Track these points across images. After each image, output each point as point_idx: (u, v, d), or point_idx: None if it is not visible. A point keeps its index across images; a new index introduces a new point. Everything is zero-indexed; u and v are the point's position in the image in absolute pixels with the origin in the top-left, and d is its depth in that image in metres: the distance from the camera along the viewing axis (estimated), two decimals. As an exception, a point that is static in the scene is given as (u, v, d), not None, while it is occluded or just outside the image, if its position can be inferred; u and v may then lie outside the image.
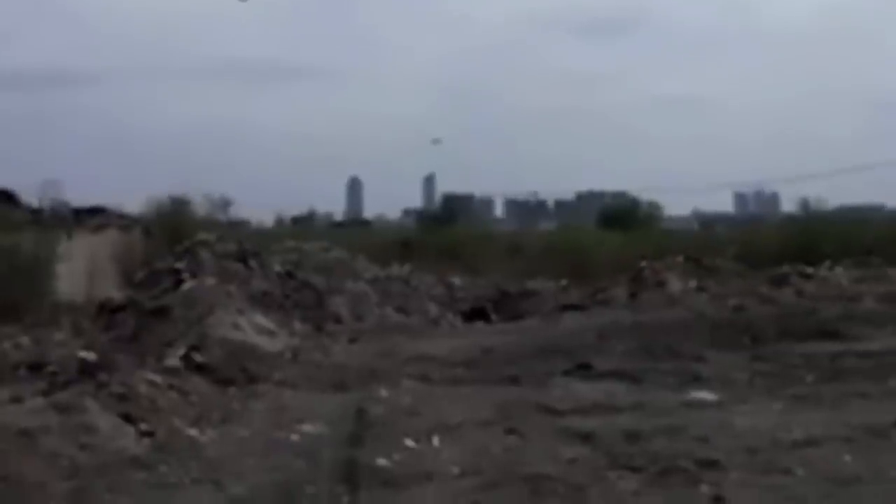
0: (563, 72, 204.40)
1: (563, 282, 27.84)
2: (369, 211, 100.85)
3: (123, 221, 34.52)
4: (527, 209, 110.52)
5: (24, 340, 16.50)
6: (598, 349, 14.91)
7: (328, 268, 23.07)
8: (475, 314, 22.87)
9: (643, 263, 25.82)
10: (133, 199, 38.21)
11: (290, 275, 21.66)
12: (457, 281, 26.74)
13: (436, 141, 71.44)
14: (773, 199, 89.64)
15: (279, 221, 50.38)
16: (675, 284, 23.69)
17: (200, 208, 38.77)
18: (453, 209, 57.80)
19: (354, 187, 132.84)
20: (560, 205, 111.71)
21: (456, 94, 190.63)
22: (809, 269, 25.18)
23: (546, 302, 24.01)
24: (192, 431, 9.46)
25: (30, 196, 33.95)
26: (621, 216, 47.23)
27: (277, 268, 21.81)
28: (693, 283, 23.78)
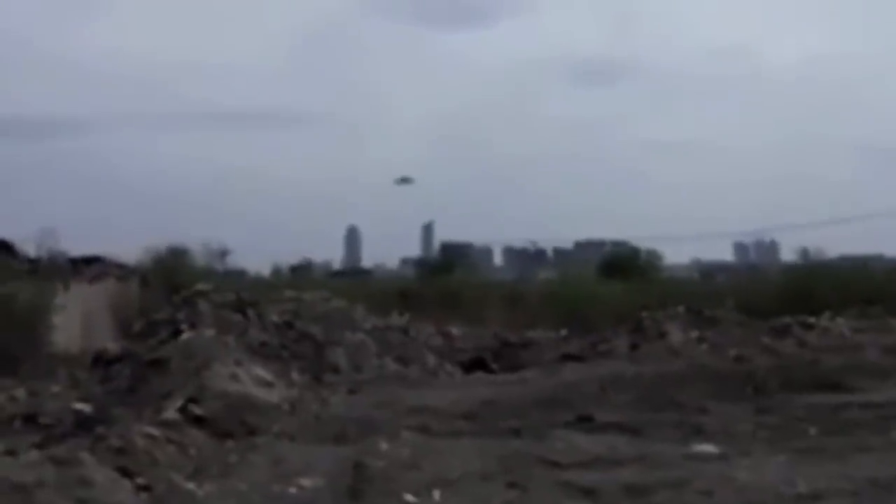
0: (560, 118, 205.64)
1: (563, 332, 27.75)
2: (368, 259, 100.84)
3: (120, 271, 34.47)
4: (525, 257, 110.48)
5: (20, 392, 16.38)
6: (599, 401, 14.83)
7: (327, 318, 22.95)
8: (475, 364, 22.76)
9: (644, 314, 25.73)
10: (130, 248, 38.16)
11: (288, 325, 21.58)
12: (455, 330, 26.66)
13: (405, 180, 69.27)
14: (773, 247, 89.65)
15: (276, 271, 50.30)
16: (676, 335, 23.58)
17: (198, 257, 38.84)
18: (452, 258, 57.71)
19: (352, 236, 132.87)
20: (559, 253, 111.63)
21: (453, 142, 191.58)
22: (811, 319, 25.09)
23: (546, 352, 23.91)
24: (190, 485, 9.35)
25: (27, 245, 33.95)
26: (621, 265, 47.12)
27: (275, 318, 21.73)
28: (694, 334, 23.68)
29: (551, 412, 13.84)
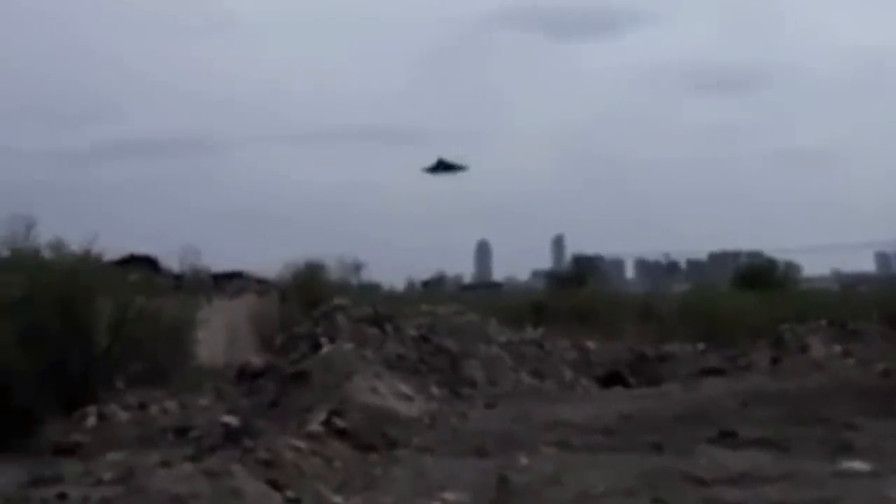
0: (691, 127, 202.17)
1: (701, 345, 27.24)
2: (498, 273, 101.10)
3: (260, 286, 35.38)
4: (658, 270, 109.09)
5: (170, 405, 16.95)
6: (741, 416, 14.54)
7: (462, 332, 23.05)
8: (611, 379, 22.54)
9: (784, 327, 25.11)
10: (269, 263, 39.11)
11: (424, 339, 21.74)
12: (591, 344, 26.45)
13: (446, 167, 61.68)
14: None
15: (410, 285, 50.82)
16: (818, 349, 22.94)
17: (334, 272, 39.51)
18: (583, 270, 57.30)
19: (483, 249, 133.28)
20: (692, 265, 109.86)
21: (583, 153, 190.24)
22: (960, 332, 24.11)
23: (684, 366, 23.52)
24: (337, 498, 9.54)
25: (170, 261, 35.13)
26: (757, 277, 45.99)
27: (412, 332, 21.92)
28: (837, 348, 22.99)
29: (692, 427, 13.63)
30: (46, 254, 25.27)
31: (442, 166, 59.21)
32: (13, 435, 14.90)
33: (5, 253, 26.72)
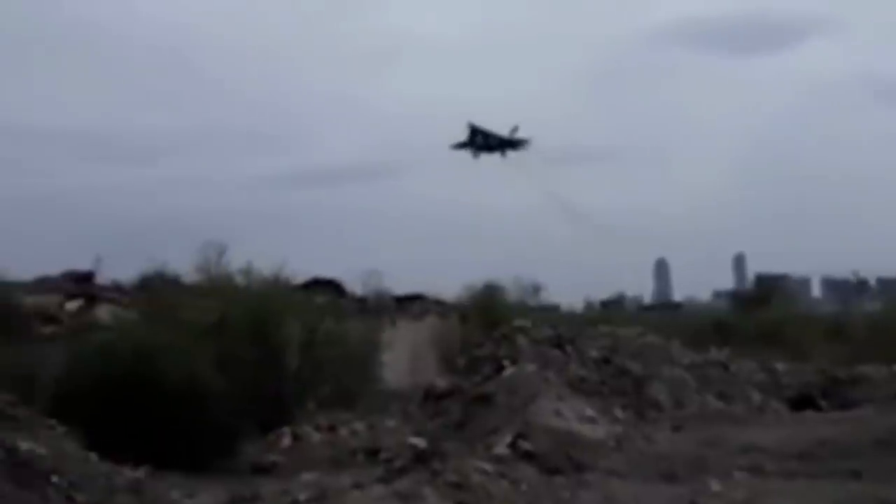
0: (878, 139, 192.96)
1: (896, 367, 26.06)
2: (678, 293, 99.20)
3: (441, 308, 35.89)
4: (847, 289, 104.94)
5: (359, 426, 17.35)
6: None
7: (644, 353, 22.75)
8: (802, 402, 21.78)
9: None
10: (448, 285, 39.67)
11: (605, 360, 21.55)
12: (779, 366, 25.65)
13: (499, 144, 54.01)
14: None
15: (589, 305, 50.51)
16: None
17: (512, 293, 39.73)
18: (767, 290, 55.67)
19: (661, 269, 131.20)
20: (884, 283, 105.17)
21: (763, 168, 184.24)
22: None
23: (878, 389, 22.52)
24: (527, 521, 9.56)
25: (354, 285, 36.11)
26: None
27: (593, 353, 21.77)
28: None
29: (892, 453, 13.04)
30: (238, 279, 26.41)
31: (495, 143, 54.98)
32: (214, 454, 15.55)
33: (200, 278, 28.07)
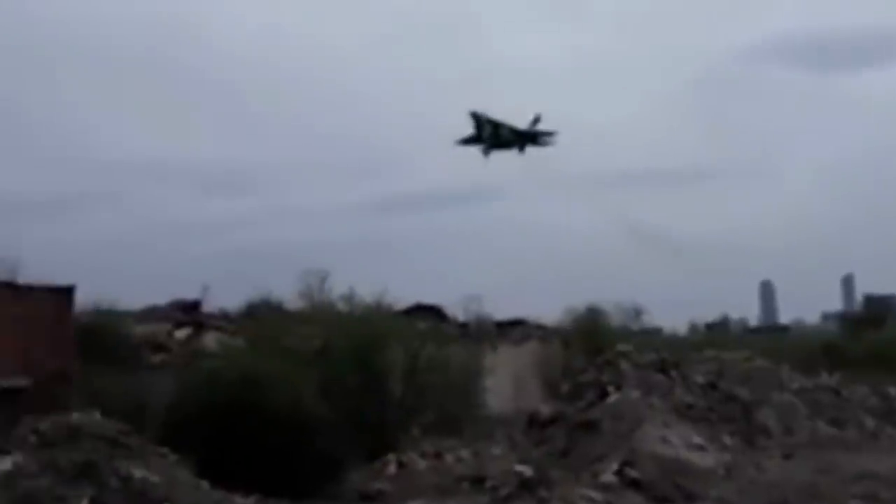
0: None
1: None
2: (784, 315, 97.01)
3: (542, 332, 35.73)
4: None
5: (465, 453, 17.35)
6: None
7: (751, 378, 22.29)
8: (918, 428, 21.12)
9: None
10: (549, 310, 39.44)
11: (712, 386, 21.16)
12: (893, 390, 24.90)
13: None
14: None
15: (693, 328, 49.67)
16: None
17: (614, 317, 39.34)
18: (879, 311, 54.04)
19: (767, 291, 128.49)
20: None
21: (869, 186, 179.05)
22: None
23: None
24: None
25: (455, 310, 36.15)
26: None
27: (699, 378, 21.41)
28: None
29: None
30: (340, 305, 26.68)
31: (509, 136, 44.22)
32: (320, 481, 15.66)
33: (303, 305, 28.45)
